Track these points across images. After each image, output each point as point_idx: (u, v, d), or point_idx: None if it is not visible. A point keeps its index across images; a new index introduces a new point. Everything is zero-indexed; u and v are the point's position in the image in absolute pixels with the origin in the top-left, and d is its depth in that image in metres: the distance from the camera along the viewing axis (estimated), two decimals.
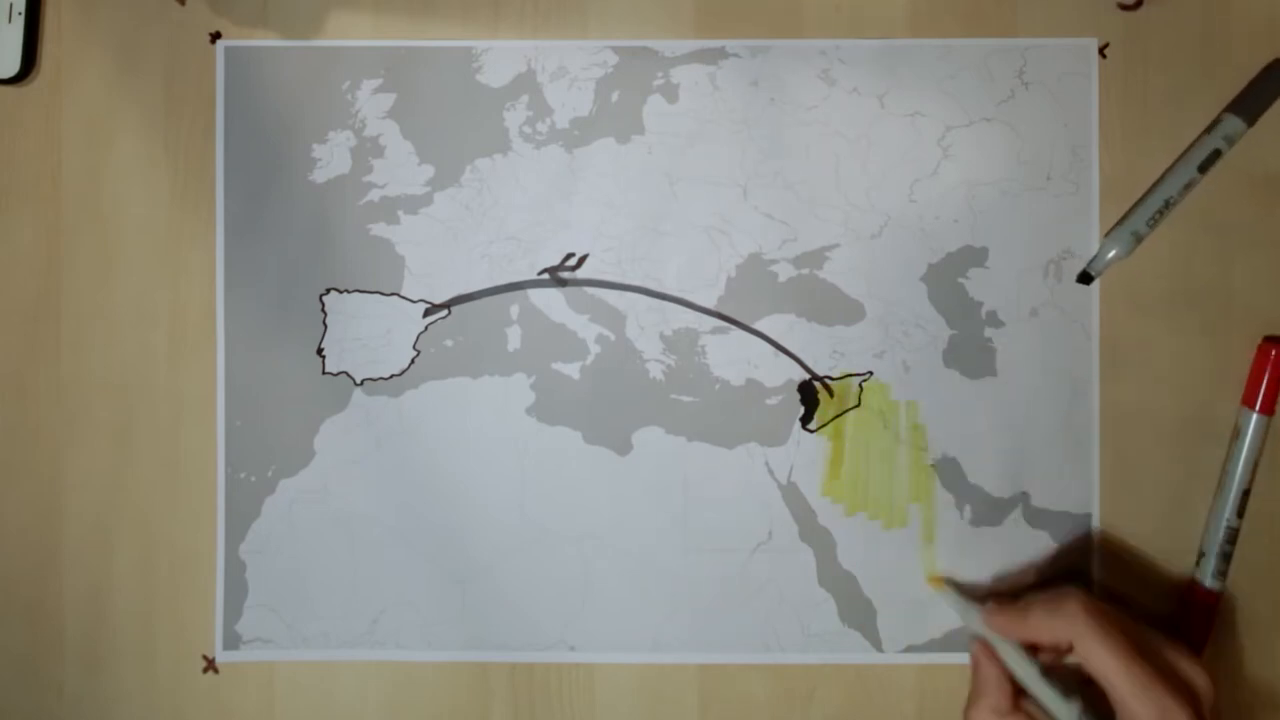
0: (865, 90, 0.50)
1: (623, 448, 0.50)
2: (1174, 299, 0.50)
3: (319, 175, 0.51)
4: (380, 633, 0.50)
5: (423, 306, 0.51)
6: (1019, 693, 0.44)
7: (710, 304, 0.50)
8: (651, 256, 0.50)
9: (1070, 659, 0.44)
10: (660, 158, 0.50)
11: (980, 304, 0.50)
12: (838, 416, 0.50)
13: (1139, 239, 0.49)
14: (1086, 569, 0.49)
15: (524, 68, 0.51)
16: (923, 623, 0.50)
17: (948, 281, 0.50)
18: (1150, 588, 0.49)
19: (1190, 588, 0.49)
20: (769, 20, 0.50)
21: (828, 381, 0.50)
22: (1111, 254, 0.49)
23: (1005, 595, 0.47)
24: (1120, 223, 0.49)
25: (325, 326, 0.51)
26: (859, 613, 0.50)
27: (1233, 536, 0.48)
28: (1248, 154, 0.50)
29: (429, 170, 0.51)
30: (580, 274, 0.51)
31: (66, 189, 0.51)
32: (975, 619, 0.46)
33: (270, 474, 0.50)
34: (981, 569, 0.50)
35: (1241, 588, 0.50)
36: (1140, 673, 0.40)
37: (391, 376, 0.50)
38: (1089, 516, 0.50)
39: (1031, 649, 0.45)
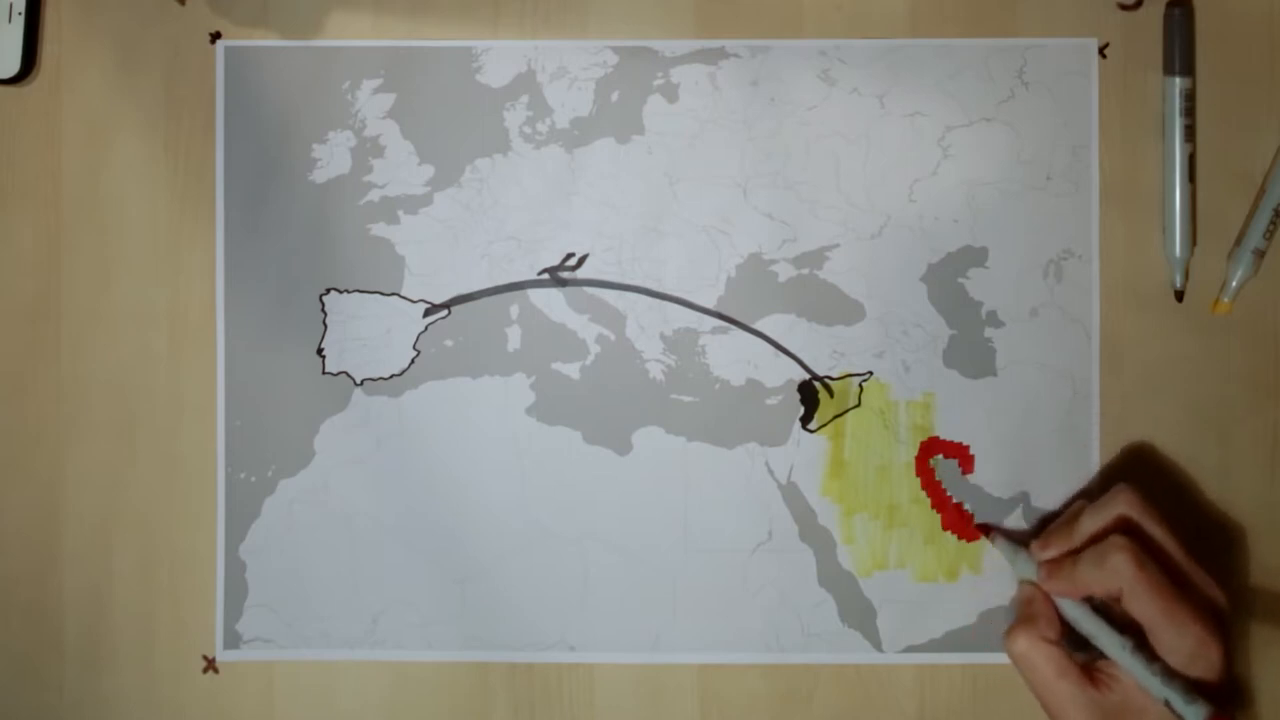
0: (865, 90, 0.50)
1: (623, 448, 0.50)
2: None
3: (319, 175, 0.51)
4: (380, 633, 0.50)
5: (423, 306, 0.51)
6: (1063, 626, 0.45)
7: (710, 304, 0.50)
8: (651, 256, 0.50)
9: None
10: (660, 158, 0.50)
11: (980, 304, 0.50)
12: (838, 416, 0.50)
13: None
14: None
15: (524, 68, 0.51)
16: (923, 623, 0.50)
17: (948, 281, 0.50)
18: None
19: None
20: (769, 20, 0.50)
21: (828, 381, 0.50)
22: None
23: (1051, 533, 0.47)
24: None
25: (325, 326, 0.51)
26: (859, 613, 0.50)
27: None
28: (1237, 151, 0.50)
29: (429, 170, 0.51)
30: (580, 274, 0.51)
31: (66, 189, 0.51)
32: (1029, 570, 0.46)
33: (270, 474, 0.50)
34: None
35: (1248, 600, 0.50)
36: (1180, 612, 0.41)
37: (391, 376, 0.51)
38: None
39: None
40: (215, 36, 0.51)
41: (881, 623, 0.50)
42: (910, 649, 0.50)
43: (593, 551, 0.50)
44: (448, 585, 0.50)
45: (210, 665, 0.50)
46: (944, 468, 0.50)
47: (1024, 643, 0.44)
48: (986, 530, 0.49)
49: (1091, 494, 0.49)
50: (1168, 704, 0.41)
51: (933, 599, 0.50)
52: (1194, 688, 0.41)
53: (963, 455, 0.50)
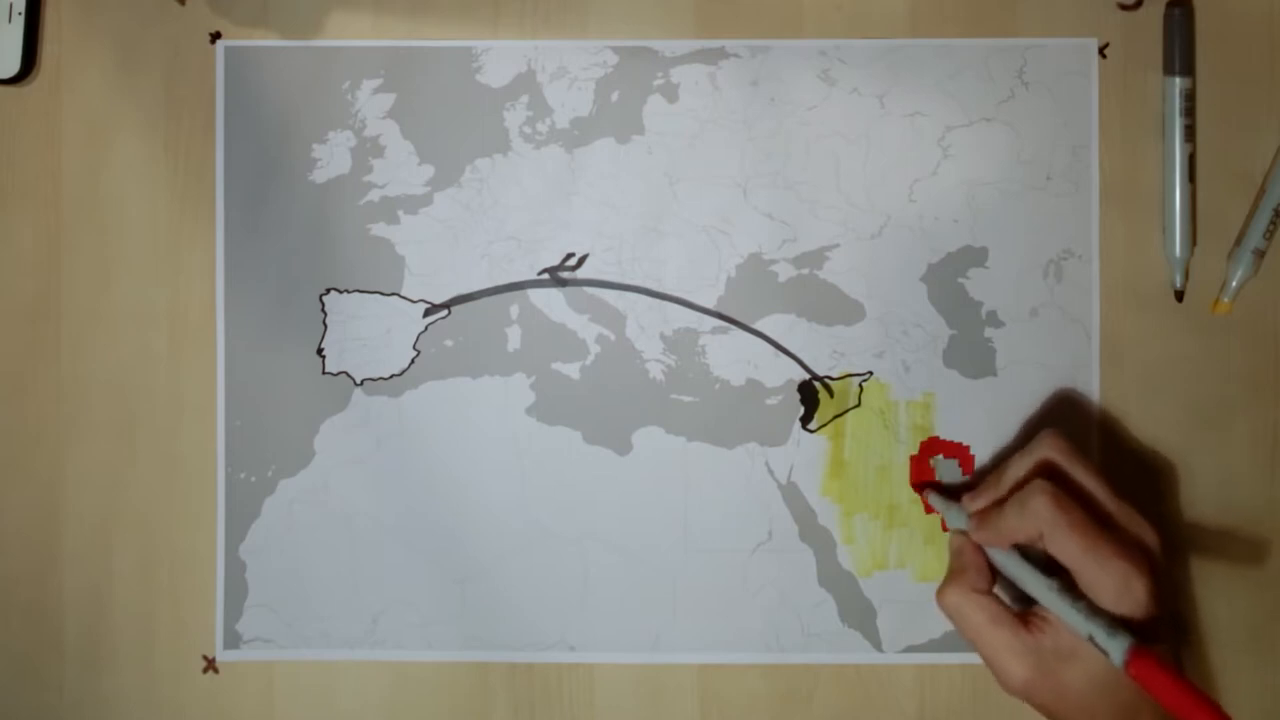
0: (865, 90, 0.50)
1: (623, 448, 0.50)
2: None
3: (319, 175, 0.51)
4: (380, 633, 0.50)
5: (423, 306, 0.51)
6: (994, 575, 0.44)
7: (710, 304, 0.50)
8: (651, 256, 0.50)
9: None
10: (660, 158, 0.50)
11: (980, 304, 0.50)
12: (838, 416, 0.50)
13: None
14: None
15: (524, 68, 0.51)
16: (923, 623, 0.50)
17: (948, 281, 0.50)
18: None
19: None
20: (769, 20, 0.50)
21: (828, 381, 0.50)
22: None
23: (981, 484, 0.47)
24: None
25: (325, 326, 0.51)
26: (859, 613, 0.50)
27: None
28: (1236, 151, 0.50)
29: (429, 170, 0.51)
30: (580, 274, 0.51)
31: (66, 189, 0.51)
32: (961, 522, 0.46)
33: (270, 474, 0.50)
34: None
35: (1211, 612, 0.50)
36: (1102, 549, 0.41)
37: (391, 376, 0.51)
38: None
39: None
40: (215, 36, 0.51)
41: (881, 623, 0.50)
42: (910, 649, 0.50)
43: (593, 551, 0.50)
44: (448, 585, 0.50)
45: (210, 665, 0.50)
46: (944, 468, 0.50)
47: (954, 595, 0.43)
48: (920, 488, 0.49)
49: (1023, 444, 0.48)
50: (1091, 639, 0.40)
51: (933, 599, 0.50)
52: (1119, 623, 0.40)
53: (963, 455, 0.50)
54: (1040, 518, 0.42)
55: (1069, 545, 0.41)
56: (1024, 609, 0.43)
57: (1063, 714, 0.42)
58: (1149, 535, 0.43)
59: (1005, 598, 0.44)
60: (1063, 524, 0.41)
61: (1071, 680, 0.41)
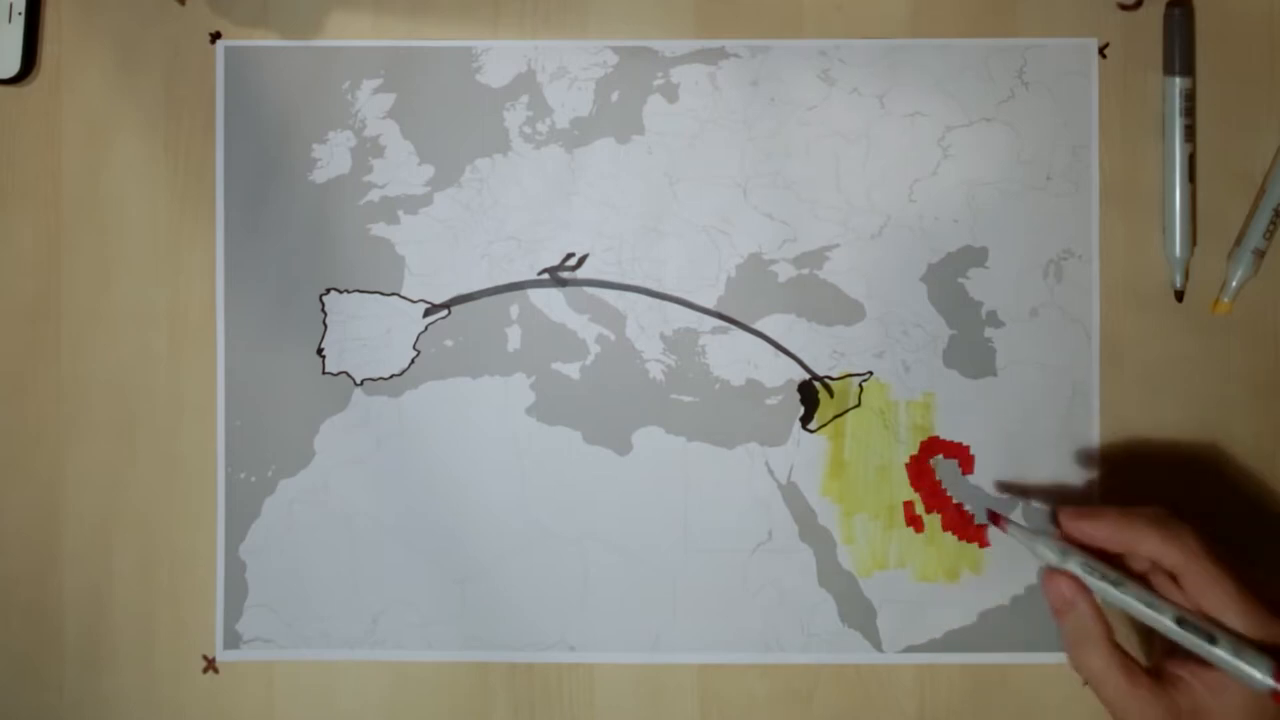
0: (865, 90, 0.50)
1: (623, 448, 0.50)
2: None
3: (319, 175, 0.51)
4: (380, 633, 0.50)
5: (423, 306, 0.51)
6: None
7: (710, 304, 0.50)
8: (651, 256, 0.50)
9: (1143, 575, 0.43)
10: (660, 158, 0.50)
11: (980, 304, 0.50)
12: (838, 416, 0.50)
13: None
14: None
15: (524, 68, 0.51)
16: (923, 623, 0.50)
17: (948, 281, 0.50)
18: None
19: None
20: (769, 20, 0.50)
21: (828, 381, 0.50)
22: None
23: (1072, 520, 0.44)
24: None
25: (325, 326, 0.51)
26: (859, 613, 0.50)
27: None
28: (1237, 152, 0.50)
29: (429, 170, 0.51)
30: (580, 274, 0.51)
31: (66, 189, 0.51)
32: (1052, 552, 0.43)
33: (270, 474, 0.50)
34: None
35: None
36: (1256, 611, 0.40)
37: (391, 376, 0.51)
38: None
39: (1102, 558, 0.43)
40: (215, 36, 0.51)
41: (881, 623, 0.50)
42: (910, 649, 0.50)
43: (593, 551, 0.50)
44: (448, 585, 0.50)
45: (210, 665, 0.50)
46: (944, 468, 0.50)
47: (1098, 659, 0.42)
48: (996, 519, 0.46)
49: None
50: (1230, 666, 0.39)
51: (933, 599, 0.50)
52: (1253, 645, 0.39)
53: (963, 455, 0.50)
54: (1187, 552, 0.40)
55: (1220, 595, 0.40)
56: (1152, 665, 0.42)
57: None
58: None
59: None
60: (1212, 568, 0.40)
61: None
